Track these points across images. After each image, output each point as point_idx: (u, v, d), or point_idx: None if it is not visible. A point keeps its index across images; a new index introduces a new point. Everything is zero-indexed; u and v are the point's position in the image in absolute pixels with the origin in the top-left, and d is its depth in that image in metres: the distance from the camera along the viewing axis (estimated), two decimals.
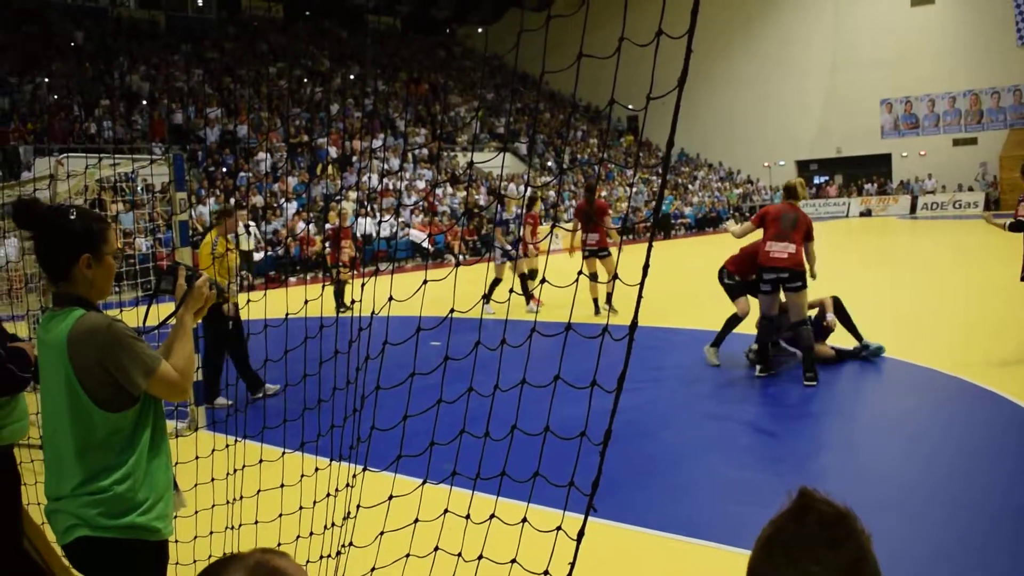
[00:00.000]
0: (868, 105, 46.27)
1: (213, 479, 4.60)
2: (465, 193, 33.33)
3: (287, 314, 4.23)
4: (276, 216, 26.63)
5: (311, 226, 24.26)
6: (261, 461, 4.39)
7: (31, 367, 3.46)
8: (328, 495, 4.12)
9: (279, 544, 3.85)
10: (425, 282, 3.49)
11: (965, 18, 43.03)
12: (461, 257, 27.59)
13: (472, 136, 40.08)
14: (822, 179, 48.71)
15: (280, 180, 29.70)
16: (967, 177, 43.17)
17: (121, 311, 4.39)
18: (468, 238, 30.46)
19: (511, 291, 3.13)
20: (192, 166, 28.49)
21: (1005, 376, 8.37)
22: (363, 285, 3.63)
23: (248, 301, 4.63)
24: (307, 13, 48.73)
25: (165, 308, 3.11)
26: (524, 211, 15.18)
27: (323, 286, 4.83)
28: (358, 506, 3.79)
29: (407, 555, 3.56)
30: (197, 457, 4.69)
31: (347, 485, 3.94)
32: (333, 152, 33.25)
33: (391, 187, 30.24)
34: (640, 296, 2.39)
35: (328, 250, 17.13)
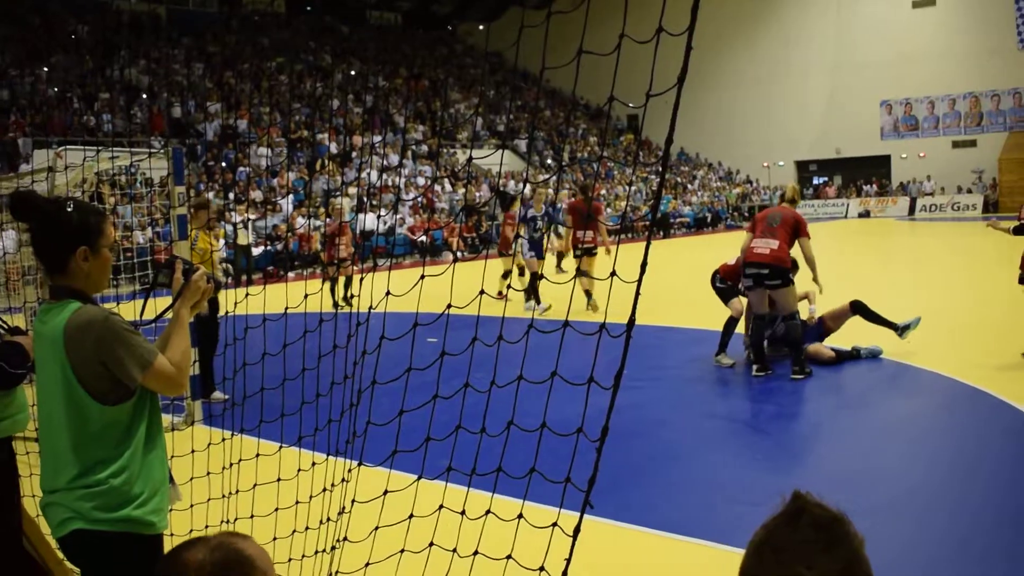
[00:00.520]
0: (868, 106, 46.28)
1: (209, 473, 4.60)
2: (464, 190, 33.29)
3: (286, 308, 4.23)
4: (275, 211, 26.63)
5: (310, 221, 24.28)
6: (258, 455, 4.39)
7: (27, 362, 3.45)
8: (324, 490, 4.12)
9: (274, 539, 3.85)
10: (422, 277, 3.48)
11: (966, 21, 43.04)
12: (459, 254, 27.58)
13: (472, 133, 40.08)
14: (821, 180, 48.73)
15: (279, 175, 29.71)
16: (966, 179, 43.20)
17: (119, 304, 4.39)
18: (467, 235, 30.45)
19: (508, 285, 3.13)
20: (191, 160, 28.47)
21: (1004, 379, 8.37)
22: (361, 280, 3.63)
23: (247, 295, 4.62)
24: (308, 8, 48.66)
25: (162, 302, 3.10)
26: (504, 210, 15.34)
27: (322, 281, 4.83)
28: (353, 501, 3.79)
29: (402, 550, 3.56)
30: (193, 451, 4.69)
31: (343, 480, 3.94)
32: (333, 148, 33.24)
33: (390, 183, 30.24)
34: (638, 294, 2.39)
35: (323, 249, 17.17)
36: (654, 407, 8.08)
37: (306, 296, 3.95)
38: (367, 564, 3.70)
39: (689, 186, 45.41)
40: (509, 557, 3.15)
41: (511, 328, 3.02)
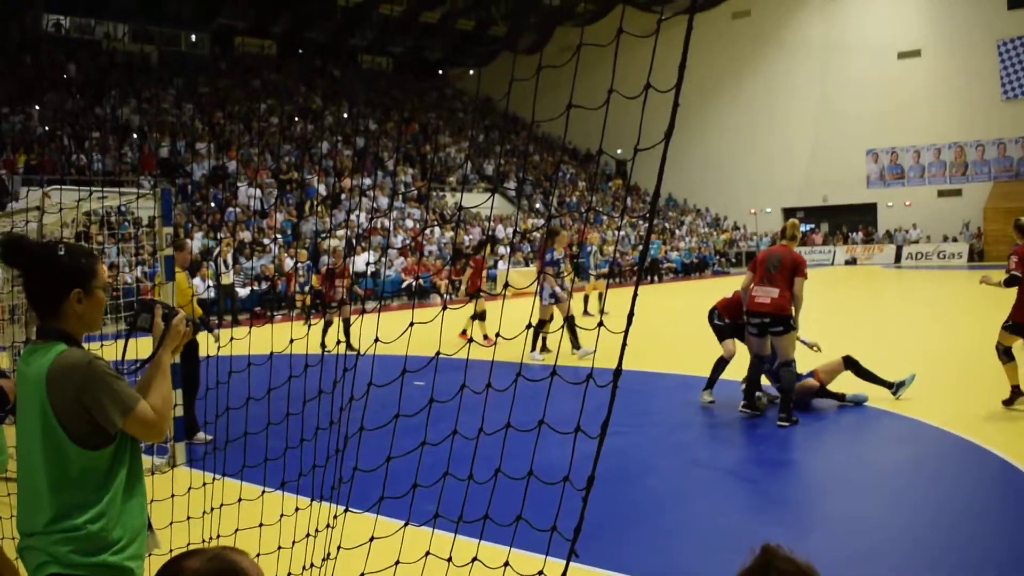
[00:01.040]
0: (854, 154, 46.74)
1: (189, 517, 4.54)
2: (453, 234, 33.38)
3: (271, 352, 4.21)
4: (264, 252, 26.60)
5: (299, 263, 24.26)
6: (240, 500, 4.34)
7: (7, 405, 3.42)
8: (308, 535, 4.07)
9: None
10: (411, 324, 3.48)
11: (951, 71, 43.65)
12: (448, 297, 27.56)
13: (461, 177, 40.25)
14: (808, 227, 49.05)
15: (268, 216, 29.73)
16: (952, 228, 43.55)
17: (102, 345, 4.36)
18: (455, 278, 30.45)
19: (497, 334, 3.12)
20: (180, 200, 28.48)
21: (989, 428, 8.38)
22: (348, 324, 3.62)
23: (232, 339, 4.60)
24: (300, 51, 49.05)
25: (139, 342, 3.09)
26: (473, 253, 15.29)
27: (311, 324, 4.80)
28: (339, 547, 3.75)
29: None
30: (173, 495, 4.64)
31: (327, 526, 3.90)
32: (322, 189, 33.32)
33: (379, 226, 30.28)
34: (624, 344, 2.39)
35: (310, 288, 17.17)
36: (639, 453, 8.04)
37: (291, 341, 3.93)
38: None
39: (677, 232, 45.64)
40: None
41: (500, 372, 3.01)
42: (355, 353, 3.74)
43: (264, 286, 24.78)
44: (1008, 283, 9.09)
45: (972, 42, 42.99)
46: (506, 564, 3.06)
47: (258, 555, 4.14)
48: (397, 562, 3.55)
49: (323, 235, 26.64)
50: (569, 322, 13.55)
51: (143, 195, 8.60)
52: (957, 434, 8.22)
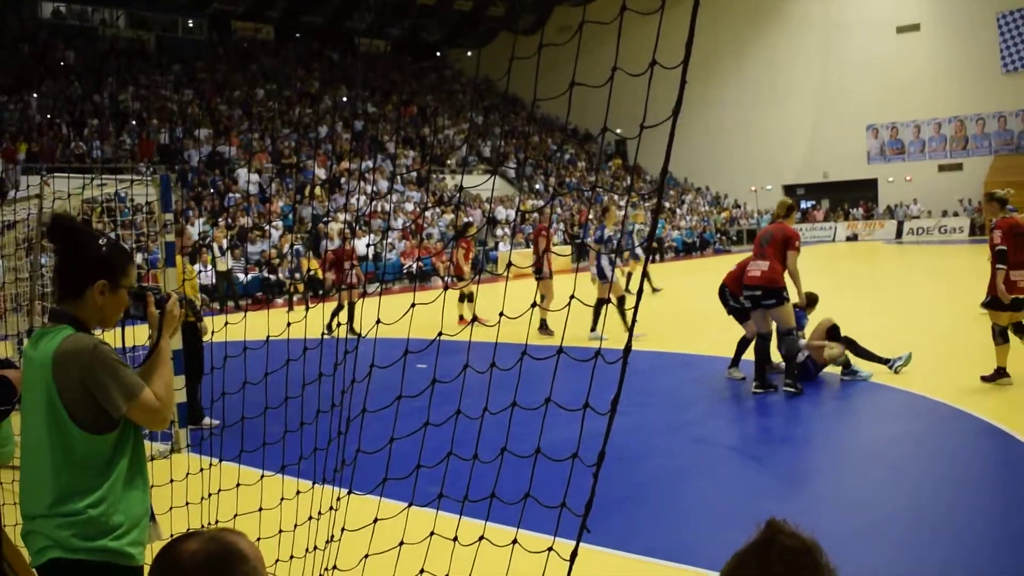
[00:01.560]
0: (854, 130, 46.61)
1: (188, 503, 4.53)
2: (453, 216, 33.33)
3: (267, 336, 4.20)
4: (265, 237, 26.57)
5: (300, 247, 24.24)
6: (238, 485, 4.33)
7: (14, 397, 3.42)
8: (310, 518, 4.07)
9: None
10: (413, 306, 3.46)
11: (950, 45, 43.45)
12: (448, 280, 27.56)
13: (461, 159, 40.16)
14: (809, 204, 48.96)
15: (269, 201, 29.69)
16: (952, 203, 43.45)
17: (103, 332, 4.35)
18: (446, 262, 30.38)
19: (501, 314, 3.11)
20: (179, 187, 28.43)
21: (990, 401, 8.38)
22: (352, 308, 3.61)
23: (226, 324, 4.59)
24: (297, 35, 48.86)
25: (135, 330, 3.10)
26: (458, 236, 15.22)
27: (310, 307, 4.79)
28: (343, 529, 3.75)
29: None
30: (172, 480, 4.63)
31: (331, 508, 3.90)
32: (322, 174, 33.25)
33: (379, 209, 30.22)
34: (634, 320, 2.38)
35: (321, 271, 17.16)
36: (644, 433, 8.04)
37: (288, 324, 3.92)
38: None
39: (678, 211, 45.56)
40: None
41: (504, 353, 3.00)
42: (356, 336, 3.73)
43: (266, 272, 24.76)
44: (999, 259, 8.99)
45: (971, 15, 42.78)
46: (514, 542, 3.05)
47: (259, 539, 4.13)
48: (401, 543, 3.54)
49: (324, 219, 26.61)
50: (620, 302, 13.59)
51: (142, 181, 8.58)
52: (958, 407, 8.22)
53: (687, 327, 14.58)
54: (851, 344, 9.75)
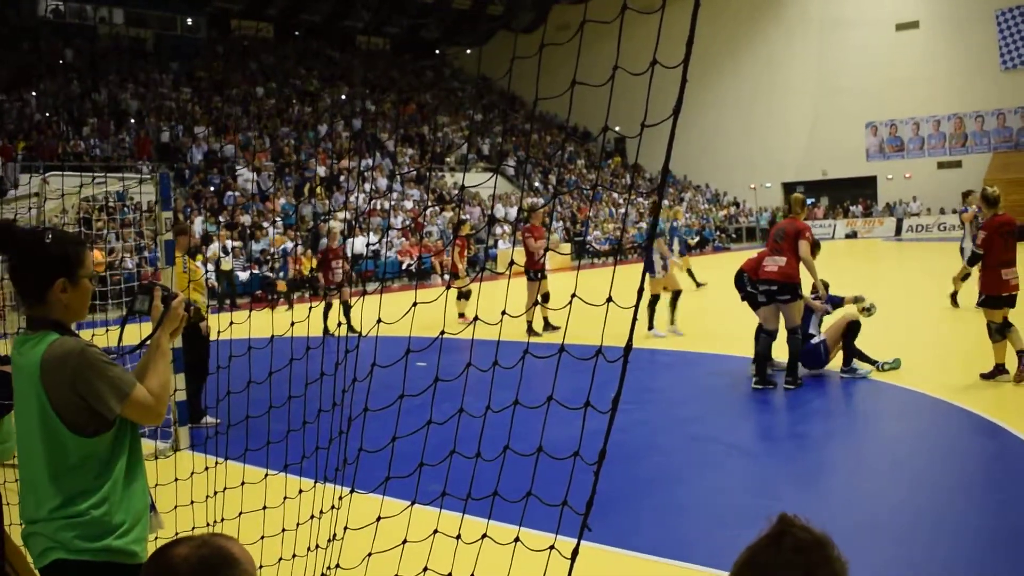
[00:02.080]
0: (853, 128, 46.58)
1: (192, 502, 4.54)
2: (452, 213, 33.32)
3: (272, 336, 4.20)
4: (263, 236, 26.57)
5: (298, 246, 24.25)
6: (243, 483, 4.34)
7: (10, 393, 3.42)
8: (312, 517, 4.08)
9: (260, 567, 3.80)
10: (415, 304, 3.47)
11: (949, 42, 43.42)
12: (447, 277, 27.56)
13: (461, 157, 40.15)
14: (808, 201, 48.94)
15: (269, 200, 29.69)
16: (952, 200, 43.41)
17: (107, 329, 4.35)
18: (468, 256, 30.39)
19: (503, 312, 3.11)
20: (178, 185, 28.42)
21: (986, 397, 8.39)
22: (349, 307, 3.61)
23: (231, 323, 4.59)
24: (296, 33, 48.83)
25: (141, 328, 3.08)
26: (455, 234, 15.16)
27: (312, 307, 4.79)
28: (345, 528, 3.75)
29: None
30: (176, 480, 4.64)
31: (332, 507, 3.90)
32: (321, 171, 33.24)
33: (379, 207, 30.20)
34: (635, 319, 2.39)
35: (295, 273, 17.20)
36: (643, 430, 8.05)
37: (292, 324, 3.92)
38: None
39: (677, 208, 45.49)
40: None
41: (505, 352, 3.00)
42: (356, 335, 3.73)
43: (267, 271, 24.76)
44: (971, 262, 9.04)
45: (970, 12, 42.74)
46: (516, 540, 3.06)
47: (262, 537, 4.16)
48: (404, 541, 3.55)
49: (323, 217, 26.61)
50: (675, 296, 13.55)
51: (142, 180, 8.58)
52: (956, 404, 8.23)
53: (687, 324, 14.56)
54: (852, 332, 9.79)
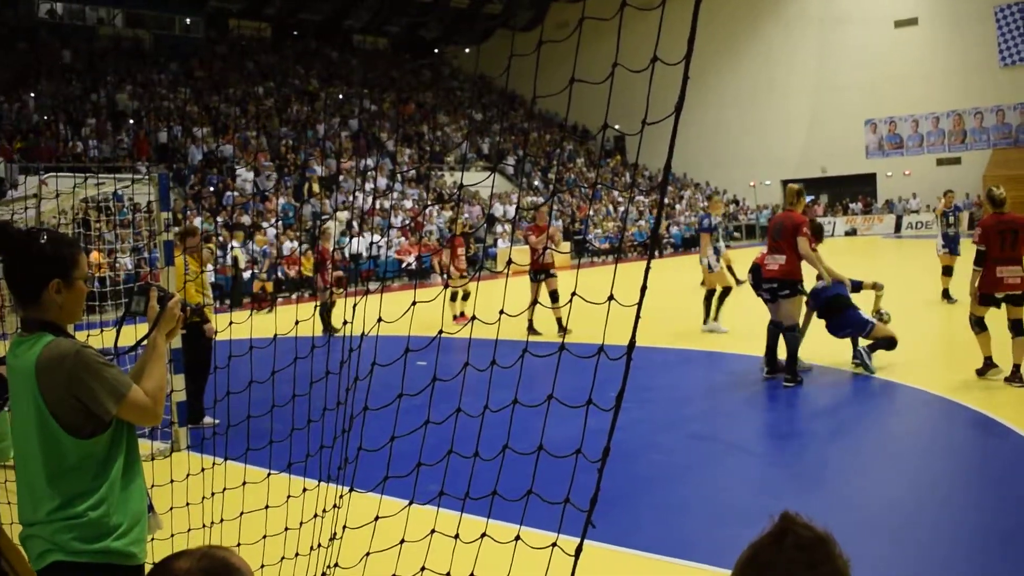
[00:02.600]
0: (852, 125, 46.58)
1: (188, 504, 4.54)
2: (452, 213, 33.32)
3: (275, 335, 4.20)
4: (262, 235, 26.55)
5: (298, 245, 24.25)
6: (244, 483, 4.34)
7: (6, 392, 3.42)
8: (315, 515, 4.07)
9: (262, 566, 3.80)
10: (414, 303, 3.46)
11: (948, 39, 43.41)
12: (445, 276, 27.55)
13: (461, 156, 40.14)
14: (808, 198, 48.83)
15: (269, 200, 29.68)
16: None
17: (102, 331, 4.35)
18: (462, 256, 30.35)
19: (501, 311, 3.10)
20: (178, 185, 28.41)
21: (987, 396, 8.39)
22: (355, 306, 3.60)
23: (231, 323, 4.58)
24: (295, 33, 48.81)
25: (136, 328, 3.07)
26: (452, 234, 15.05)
27: (315, 307, 4.78)
28: (344, 527, 3.75)
29: (393, 575, 3.52)
30: (172, 481, 4.64)
31: (334, 506, 3.90)
32: (320, 171, 33.23)
33: (378, 206, 30.18)
34: (638, 316, 2.38)
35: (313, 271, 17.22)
36: (643, 428, 8.05)
37: (297, 323, 3.91)
38: None
39: (677, 206, 45.55)
40: None
41: (505, 351, 3.00)
42: (334, 335, 3.72)
43: (264, 269, 24.74)
44: (977, 261, 8.93)
45: (969, 9, 42.74)
46: (517, 538, 3.05)
47: (264, 537, 4.15)
48: (402, 541, 3.55)
49: (324, 217, 26.59)
50: (725, 292, 13.51)
51: (140, 180, 8.57)
52: (958, 401, 8.23)
53: (686, 322, 14.54)
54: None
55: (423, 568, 3.40)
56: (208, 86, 38.18)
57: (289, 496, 4.33)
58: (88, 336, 4.74)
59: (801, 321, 9.88)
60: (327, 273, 15.66)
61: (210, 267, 18.56)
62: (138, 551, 2.79)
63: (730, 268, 19.09)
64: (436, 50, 56.19)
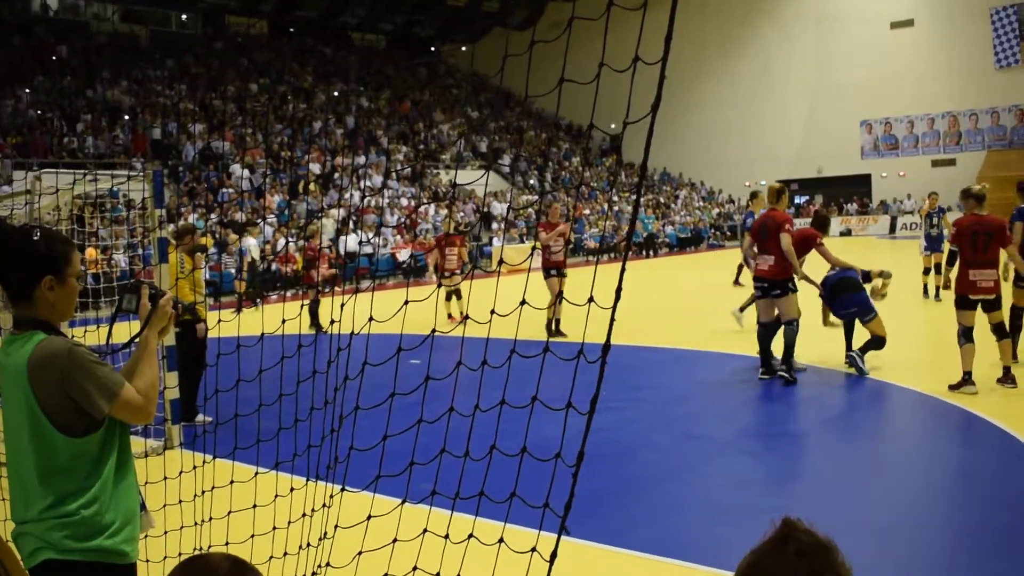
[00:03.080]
0: (848, 126, 46.65)
1: (180, 501, 4.53)
2: (447, 211, 33.30)
3: (263, 333, 4.19)
4: (258, 233, 26.49)
5: (290, 243, 24.20)
6: (232, 482, 4.33)
7: None
8: (304, 515, 4.07)
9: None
10: (406, 303, 3.46)
11: (944, 40, 43.51)
12: (437, 276, 27.52)
13: (456, 154, 40.13)
14: (803, 199, 48.97)
15: (263, 197, 29.64)
16: (946, 198, 43.44)
17: (98, 327, 4.34)
18: (451, 256, 30.33)
19: (492, 311, 3.10)
20: (172, 182, 28.34)
21: (979, 397, 8.39)
22: (343, 305, 3.59)
23: (219, 321, 4.58)
24: (291, 30, 48.74)
25: (130, 326, 3.07)
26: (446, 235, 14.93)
27: (302, 305, 4.77)
28: (336, 526, 3.75)
29: (385, 575, 3.51)
30: (165, 478, 4.63)
31: (324, 505, 3.89)
32: (316, 168, 33.18)
33: (373, 204, 30.18)
34: (612, 320, 2.37)
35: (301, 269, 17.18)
36: (636, 428, 8.05)
37: (284, 321, 3.91)
38: None
39: (672, 206, 45.59)
40: None
41: (498, 350, 2.99)
42: (322, 332, 3.70)
43: (261, 268, 24.70)
44: (950, 261, 8.80)
45: (965, 10, 42.85)
46: (500, 541, 3.05)
47: (252, 536, 4.15)
48: (395, 540, 3.54)
49: (318, 215, 26.56)
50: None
51: (134, 177, 8.54)
52: (951, 402, 8.24)
53: (680, 321, 14.58)
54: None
55: (415, 568, 3.40)
56: (204, 82, 38.08)
57: (277, 495, 4.33)
58: (85, 332, 4.74)
59: (822, 319, 10.40)
60: (316, 271, 15.63)
61: (204, 264, 18.55)
62: (130, 550, 2.79)
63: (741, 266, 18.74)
64: (432, 48, 56.15)
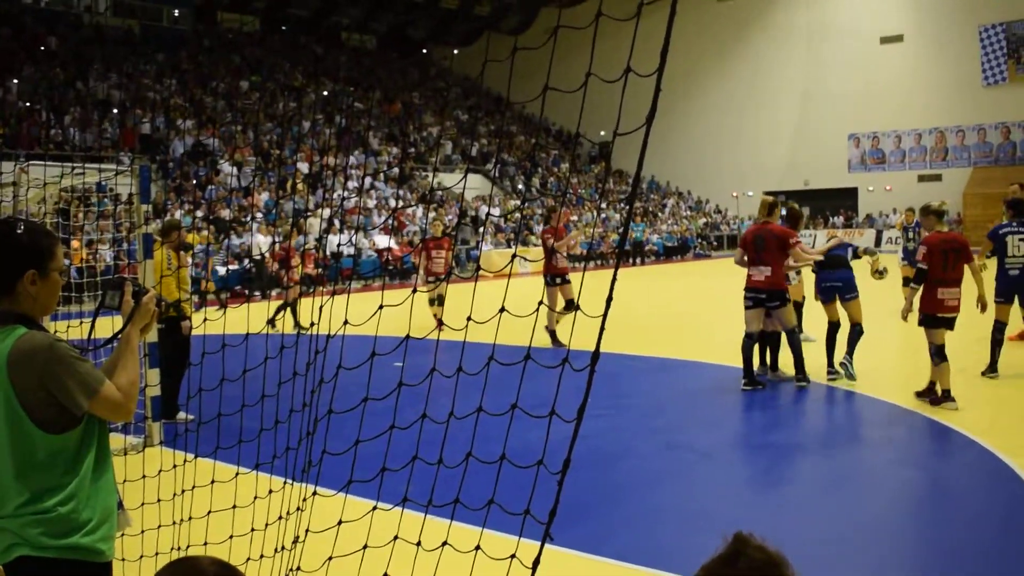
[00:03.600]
0: (836, 139, 46.90)
1: (160, 500, 4.51)
2: (434, 213, 33.25)
3: (247, 333, 4.18)
4: (245, 231, 26.41)
5: (275, 241, 24.14)
6: (213, 481, 4.31)
7: None
8: (280, 517, 4.05)
9: None
10: (381, 307, 3.45)
11: (933, 57, 43.79)
12: (419, 279, 27.45)
13: (444, 157, 40.09)
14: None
15: (251, 195, 29.54)
16: None
17: (81, 323, 4.31)
18: (437, 259, 30.29)
19: (468, 317, 3.09)
20: (160, 177, 28.21)
21: (961, 413, 8.43)
22: (321, 307, 3.58)
23: (205, 320, 4.56)
24: (283, 28, 48.64)
25: (113, 322, 3.05)
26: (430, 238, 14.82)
27: (280, 304, 4.75)
28: (307, 531, 3.73)
29: None
30: (144, 476, 4.61)
31: (298, 509, 3.88)
32: (304, 167, 33.09)
33: (359, 204, 30.07)
34: (602, 329, 2.37)
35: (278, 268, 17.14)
36: (618, 436, 8.06)
37: (269, 322, 3.89)
38: None
39: (659, 215, 45.68)
40: None
41: (475, 356, 2.98)
42: (305, 332, 3.69)
43: (248, 266, 24.62)
44: (917, 279, 8.68)
45: (954, 28, 43.15)
46: (477, 548, 3.04)
47: (231, 536, 4.13)
48: (365, 546, 3.52)
49: (306, 214, 26.48)
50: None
51: (121, 172, 8.50)
52: (933, 418, 8.28)
53: (665, 330, 14.60)
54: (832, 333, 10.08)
55: (385, 574, 3.38)
56: (194, 78, 37.95)
57: (256, 497, 4.31)
58: (68, 327, 4.71)
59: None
60: (294, 271, 15.57)
61: (191, 261, 18.47)
62: (106, 548, 2.77)
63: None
64: (424, 50, 56.12)
